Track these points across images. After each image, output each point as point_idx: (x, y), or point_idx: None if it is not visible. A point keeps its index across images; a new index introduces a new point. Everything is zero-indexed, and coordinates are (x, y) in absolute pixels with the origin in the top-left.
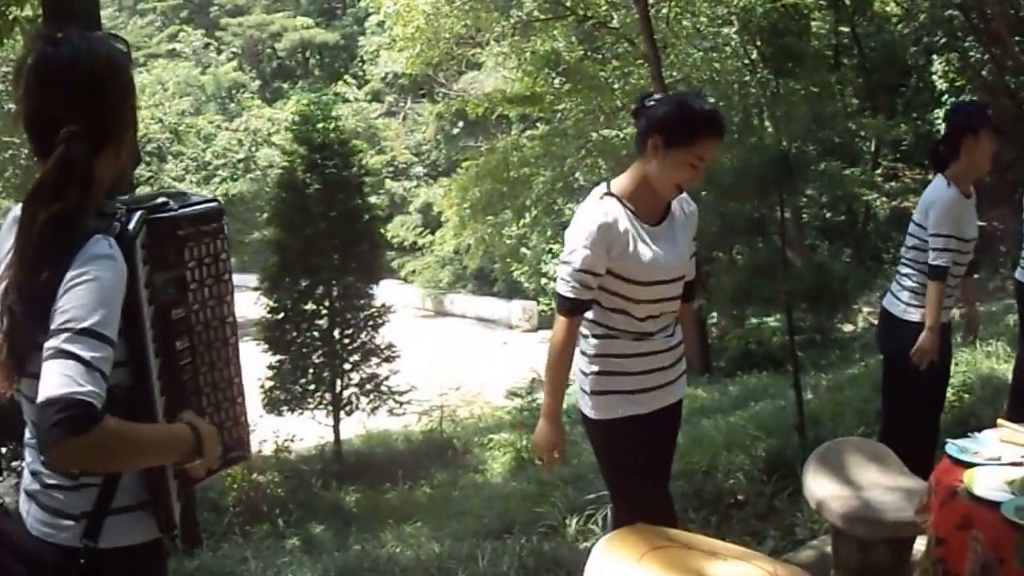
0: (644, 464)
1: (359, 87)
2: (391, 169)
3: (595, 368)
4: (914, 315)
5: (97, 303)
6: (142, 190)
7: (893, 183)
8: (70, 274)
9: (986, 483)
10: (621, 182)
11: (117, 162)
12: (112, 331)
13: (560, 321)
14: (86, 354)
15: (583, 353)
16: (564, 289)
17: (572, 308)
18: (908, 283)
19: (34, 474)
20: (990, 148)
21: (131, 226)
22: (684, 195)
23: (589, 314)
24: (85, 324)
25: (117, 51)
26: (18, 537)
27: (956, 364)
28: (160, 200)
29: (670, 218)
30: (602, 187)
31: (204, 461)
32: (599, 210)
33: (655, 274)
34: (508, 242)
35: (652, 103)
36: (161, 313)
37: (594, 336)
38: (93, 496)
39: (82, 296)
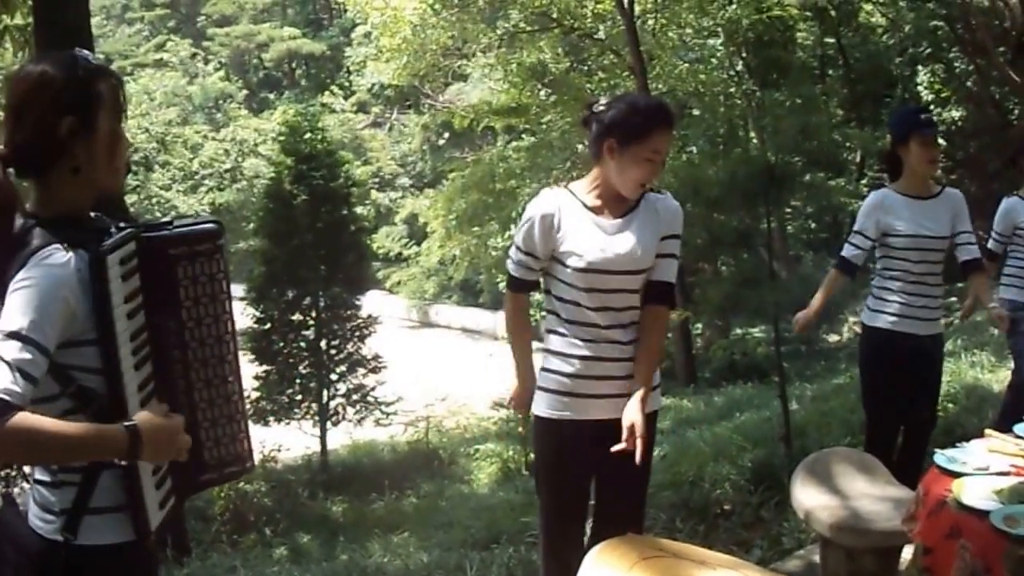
0: (563, 478)
1: (345, 98)
2: (377, 180)
3: (544, 364)
4: (876, 321)
5: (28, 308)
6: (129, 199)
7: None
8: (13, 280)
9: (975, 492)
10: (579, 182)
11: (88, 179)
12: (42, 335)
13: (507, 296)
14: (8, 356)
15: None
16: (510, 268)
17: (516, 286)
18: (872, 291)
19: (32, 470)
20: (922, 153)
21: (107, 243)
22: (664, 195)
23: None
24: (12, 328)
25: (60, 70)
26: (18, 526)
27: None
28: (164, 220)
29: (633, 214)
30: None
31: (149, 459)
32: (543, 199)
33: (597, 263)
34: (493, 253)
35: (600, 108)
36: (152, 328)
37: (548, 331)
38: (73, 494)
39: (15, 301)
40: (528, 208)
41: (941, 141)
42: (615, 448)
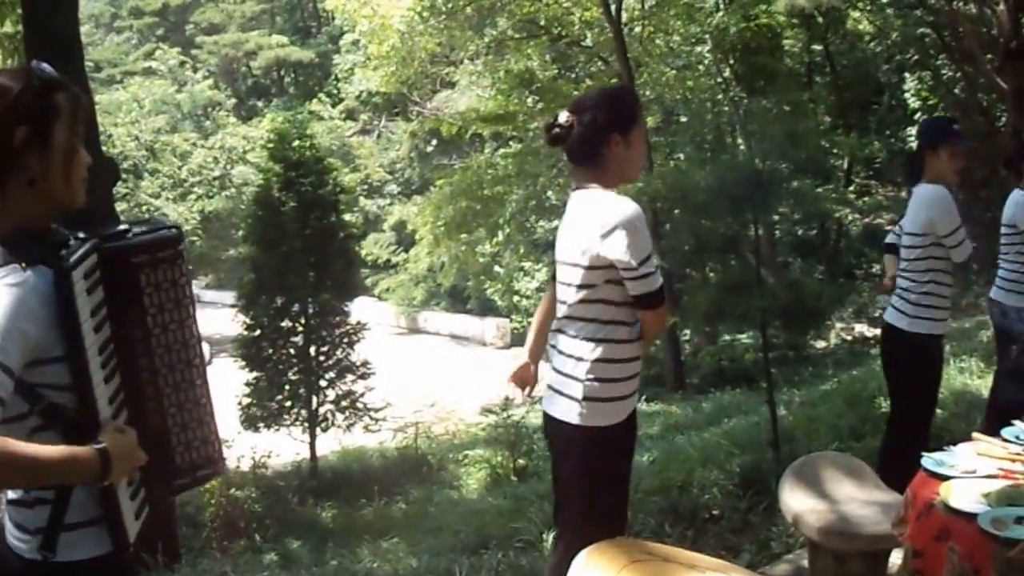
0: (627, 470)
1: (333, 105)
2: (365, 187)
3: (595, 375)
4: (917, 327)
5: None
6: (118, 207)
7: (866, 198)
8: None
9: (963, 495)
10: (608, 188)
11: (45, 192)
12: (4, 355)
13: (661, 312)
14: None
15: (579, 360)
16: (656, 282)
17: (663, 297)
18: (911, 296)
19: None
20: (950, 163)
21: (72, 258)
22: None
23: (592, 320)
24: None
25: (16, 82)
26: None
27: None
28: (122, 228)
29: None
30: (610, 192)
31: (116, 476)
32: (631, 203)
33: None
34: (481, 260)
35: (568, 120)
36: (118, 338)
37: (595, 341)
38: (47, 512)
39: None
40: (630, 214)
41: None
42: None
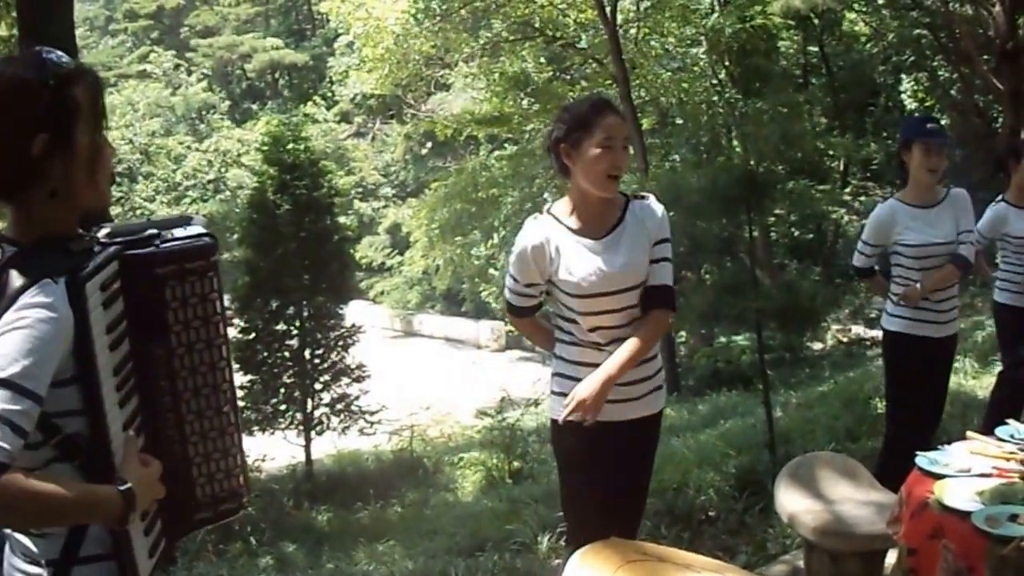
0: (582, 477)
1: (328, 108)
2: (360, 190)
3: (554, 369)
4: (893, 325)
5: (22, 353)
6: (112, 211)
7: (862, 199)
8: (5, 318)
9: (957, 494)
10: (558, 204)
11: (70, 200)
12: (37, 383)
13: (513, 321)
14: None
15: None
16: (509, 298)
17: (518, 312)
18: (890, 296)
19: None
20: (922, 160)
21: (87, 269)
22: (647, 203)
23: (559, 320)
24: (3, 375)
25: (28, 75)
26: None
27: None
28: (149, 233)
29: (619, 229)
30: (545, 214)
31: (139, 510)
32: (530, 231)
33: (593, 287)
34: (476, 262)
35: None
36: (137, 358)
37: (558, 340)
38: (60, 543)
39: (7, 344)
40: (517, 241)
41: None
42: (564, 415)
